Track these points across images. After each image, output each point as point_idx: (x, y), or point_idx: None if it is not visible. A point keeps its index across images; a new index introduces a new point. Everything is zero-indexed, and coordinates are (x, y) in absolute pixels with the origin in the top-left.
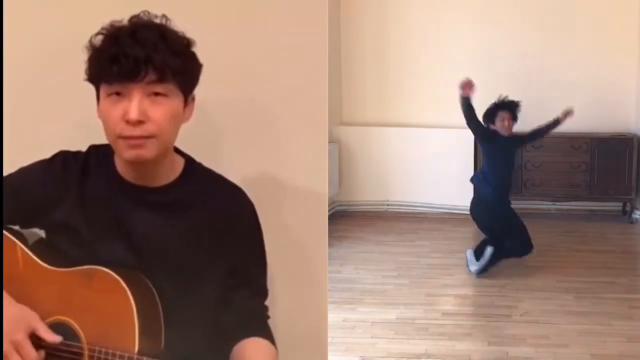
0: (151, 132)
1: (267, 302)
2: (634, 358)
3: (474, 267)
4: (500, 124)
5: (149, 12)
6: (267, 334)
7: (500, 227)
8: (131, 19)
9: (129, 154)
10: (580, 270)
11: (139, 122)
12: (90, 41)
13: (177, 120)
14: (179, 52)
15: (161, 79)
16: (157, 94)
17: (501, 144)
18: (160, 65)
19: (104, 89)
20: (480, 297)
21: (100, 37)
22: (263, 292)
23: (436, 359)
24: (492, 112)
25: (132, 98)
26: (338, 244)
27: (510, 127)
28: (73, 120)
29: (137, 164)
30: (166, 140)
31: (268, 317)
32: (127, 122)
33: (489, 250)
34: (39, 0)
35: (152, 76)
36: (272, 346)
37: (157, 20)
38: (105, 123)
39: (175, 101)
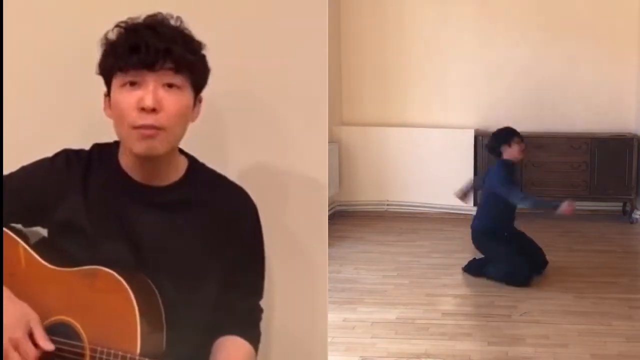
0: (163, 123)
1: (266, 302)
2: (634, 358)
3: None
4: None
5: (162, 14)
6: (253, 335)
7: None
8: (148, 17)
9: (141, 146)
10: (580, 270)
11: (153, 111)
12: (106, 36)
13: (187, 116)
14: (194, 50)
15: (177, 70)
16: (170, 85)
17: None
18: (178, 58)
19: (118, 79)
20: (480, 297)
21: (116, 31)
22: (259, 293)
23: (436, 359)
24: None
25: (147, 86)
26: (338, 244)
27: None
28: (75, 119)
29: (145, 159)
30: (175, 135)
31: (260, 318)
32: (142, 109)
33: None
34: None
35: (168, 65)
36: (250, 347)
37: (172, 22)
38: (118, 114)
39: (187, 95)
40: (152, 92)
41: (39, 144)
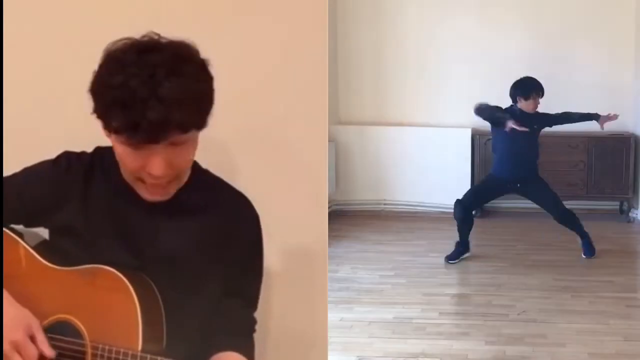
0: (174, 176)
1: (265, 302)
2: (631, 357)
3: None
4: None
5: (159, 36)
6: (248, 348)
7: None
8: (141, 49)
9: (149, 195)
10: (578, 269)
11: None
12: (100, 73)
13: (194, 155)
14: (202, 105)
15: (184, 132)
16: (179, 141)
17: None
18: (185, 124)
19: (115, 136)
20: (477, 297)
21: (114, 74)
22: (254, 304)
23: (433, 359)
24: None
25: (153, 153)
26: (335, 243)
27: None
28: (76, 120)
29: None
30: (185, 173)
31: (254, 330)
32: (150, 174)
33: None
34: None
35: (174, 133)
36: None
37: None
38: (121, 161)
39: (194, 141)
40: (161, 161)
41: (39, 145)
